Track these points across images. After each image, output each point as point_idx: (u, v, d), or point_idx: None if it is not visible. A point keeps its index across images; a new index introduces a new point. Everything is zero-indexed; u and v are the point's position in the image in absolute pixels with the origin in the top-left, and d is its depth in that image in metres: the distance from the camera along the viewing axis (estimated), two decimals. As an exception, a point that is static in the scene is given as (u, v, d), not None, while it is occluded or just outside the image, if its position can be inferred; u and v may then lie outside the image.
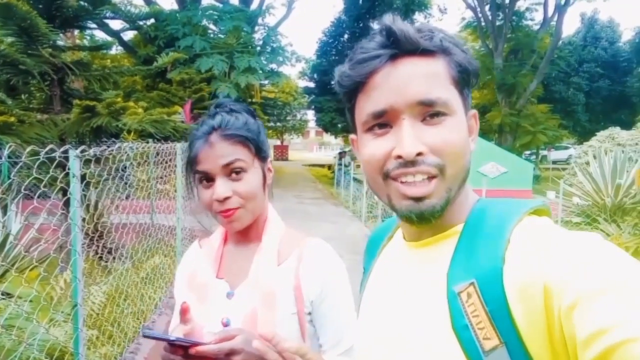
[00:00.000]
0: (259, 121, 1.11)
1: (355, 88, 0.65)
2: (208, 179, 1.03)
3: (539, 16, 22.27)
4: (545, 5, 20.28)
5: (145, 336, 0.86)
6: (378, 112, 0.62)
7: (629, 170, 6.20)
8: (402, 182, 0.61)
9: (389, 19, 0.62)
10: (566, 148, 27.65)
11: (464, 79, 0.64)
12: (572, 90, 26.11)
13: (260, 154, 1.07)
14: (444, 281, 0.61)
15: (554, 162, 23.51)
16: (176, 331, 0.93)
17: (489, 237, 0.59)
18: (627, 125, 15.67)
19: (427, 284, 0.64)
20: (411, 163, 0.59)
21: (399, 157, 0.60)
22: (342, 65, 0.67)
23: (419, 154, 0.59)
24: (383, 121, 0.62)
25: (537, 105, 21.26)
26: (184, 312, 0.91)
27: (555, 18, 19.58)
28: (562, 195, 6.85)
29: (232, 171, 1.02)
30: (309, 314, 1.06)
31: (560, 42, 21.87)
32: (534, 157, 21.70)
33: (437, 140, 0.60)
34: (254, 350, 0.87)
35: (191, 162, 1.05)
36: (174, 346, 0.86)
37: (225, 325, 1.03)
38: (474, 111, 0.68)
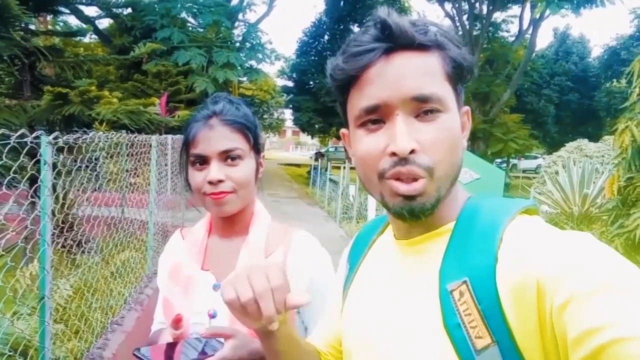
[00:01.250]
0: (256, 117, 1.12)
1: (349, 82, 0.64)
2: (202, 161, 1.02)
3: (514, 28, 22.88)
4: (520, 18, 20.83)
5: (134, 355, 0.86)
6: (371, 108, 0.61)
7: (596, 181, 6.42)
8: (395, 180, 0.60)
9: (384, 11, 0.61)
10: (535, 157, 28.50)
11: (458, 75, 0.63)
12: (543, 101, 26.90)
13: (256, 145, 1.08)
14: (436, 279, 0.60)
15: (524, 171, 24.17)
16: (165, 334, 0.93)
17: (481, 235, 0.59)
18: (594, 137, 16.21)
19: (418, 282, 0.64)
20: (404, 160, 0.58)
21: (393, 154, 0.59)
22: (334, 58, 0.66)
23: (412, 152, 0.58)
24: (376, 117, 0.61)
25: (510, 114, 21.81)
26: (177, 321, 0.90)
27: (530, 31, 20.13)
28: (532, 203, 7.03)
29: (229, 157, 1.02)
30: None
31: (534, 54, 22.50)
32: (504, 165, 22.24)
33: (431, 138, 0.59)
34: (244, 356, 0.88)
35: (187, 144, 1.04)
36: None
37: (212, 317, 1.02)
38: (467, 108, 0.68)
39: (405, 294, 0.65)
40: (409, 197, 0.60)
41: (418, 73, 0.60)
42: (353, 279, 0.79)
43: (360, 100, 0.62)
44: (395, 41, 0.60)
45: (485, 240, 0.58)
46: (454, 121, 0.62)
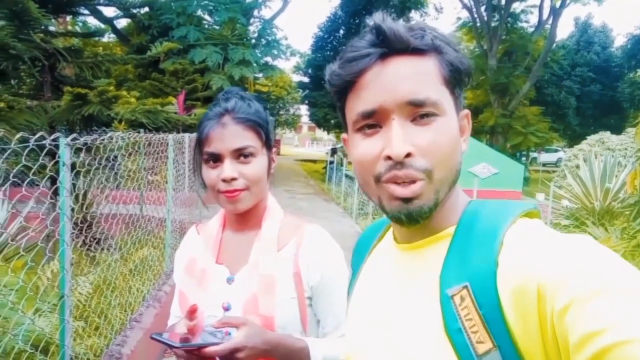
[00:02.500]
0: (268, 112, 1.14)
1: (345, 87, 0.64)
2: (215, 159, 1.05)
3: (534, 19, 22.41)
4: (540, 8, 20.42)
5: (152, 338, 0.90)
6: (367, 112, 0.61)
7: (618, 175, 6.26)
8: (392, 183, 0.60)
9: (378, 17, 0.61)
10: (556, 151, 27.95)
11: (455, 79, 0.63)
12: (564, 93, 26.34)
13: (268, 142, 1.09)
14: (437, 284, 0.60)
15: (544, 165, 23.75)
16: (179, 325, 0.96)
17: (482, 239, 0.59)
18: (617, 130, 15.86)
19: (419, 287, 0.64)
20: (400, 164, 0.59)
21: (389, 157, 0.59)
22: (332, 63, 0.66)
23: (408, 155, 0.58)
24: (373, 121, 0.62)
25: (529, 107, 21.43)
26: (192, 312, 0.93)
27: (550, 21, 19.72)
28: (552, 198, 6.91)
29: (241, 155, 1.04)
30: (309, 298, 1.09)
31: (554, 45, 22.02)
32: (524, 158, 21.88)
33: (426, 142, 0.59)
34: (258, 344, 0.91)
35: (200, 142, 1.07)
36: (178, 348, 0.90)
37: (226, 309, 1.05)
38: (466, 111, 0.68)
39: (405, 299, 0.65)
40: (406, 200, 0.60)
41: (413, 77, 0.60)
42: (355, 284, 0.80)
43: (356, 105, 0.63)
44: (390, 46, 0.60)
45: (485, 245, 0.58)
46: (451, 124, 0.62)
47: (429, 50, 0.61)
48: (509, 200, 0.67)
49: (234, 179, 1.02)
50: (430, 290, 0.61)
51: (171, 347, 0.89)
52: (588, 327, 0.44)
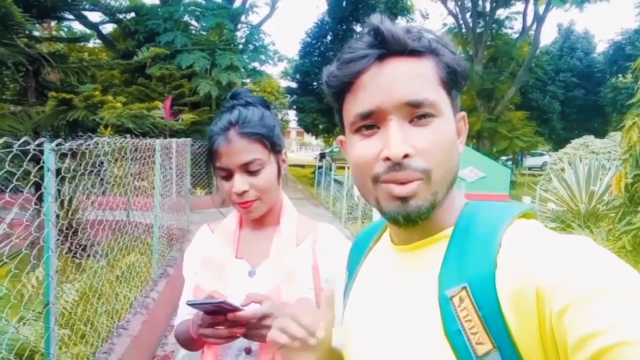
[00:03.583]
0: (273, 112, 1.17)
1: (343, 88, 0.64)
2: (226, 173, 1.09)
3: (518, 25, 22.73)
4: (524, 14, 20.73)
5: (190, 305, 0.96)
6: (365, 113, 0.61)
7: (602, 178, 6.36)
8: (390, 183, 0.60)
9: (376, 19, 0.61)
10: (541, 155, 28.33)
11: (452, 80, 0.63)
12: (549, 98, 26.74)
13: (275, 147, 1.12)
14: (435, 285, 0.60)
15: (530, 168, 24.03)
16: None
17: (480, 240, 0.59)
18: (600, 134, 16.12)
19: (417, 289, 0.63)
20: (398, 165, 0.58)
21: (387, 158, 0.59)
22: (330, 65, 0.66)
23: (406, 156, 0.58)
24: (370, 122, 0.62)
25: (515, 112, 21.69)
26: (210, 297, 0.99)
27: (534, 27, 20.02)
28: (538, 201, 6.99)
29: (250, 168, 1.08)
30: (322, 290, 1.13)
31: (538, 51, 22.34)
32: (509, 162, 22.12)
33: (425, 142, 0.59)
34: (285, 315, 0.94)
35: (211, 156, 1.11)
36: (210, 313, 0.96)
37: None
38: (463, 113, 0.68)
39: (404, 300, 0.65)
40: (404, 200, 0.59)
41: (411, 78, 0.60)
42: (352, 286, 0.79)
43: (354, 106, 0.63)
44: (388, 47, 0.60)
45: (484, 246, 0.58)
46: (449, 126, 0.62)
47: (426, 52, 0.62)
48: (505, 202, 0.67)
49: (245, 192, 1.07)
50: (429, 291, 0.60)
51: (212, 304, 0.92)
52: (586, 328, 0.44)
